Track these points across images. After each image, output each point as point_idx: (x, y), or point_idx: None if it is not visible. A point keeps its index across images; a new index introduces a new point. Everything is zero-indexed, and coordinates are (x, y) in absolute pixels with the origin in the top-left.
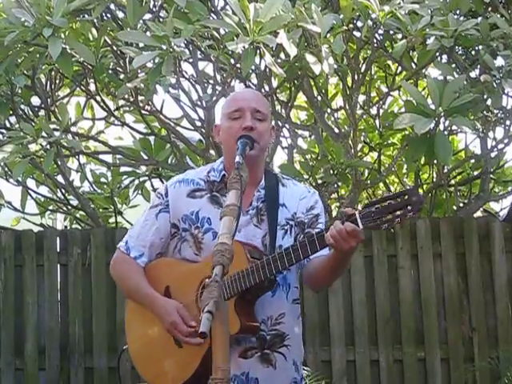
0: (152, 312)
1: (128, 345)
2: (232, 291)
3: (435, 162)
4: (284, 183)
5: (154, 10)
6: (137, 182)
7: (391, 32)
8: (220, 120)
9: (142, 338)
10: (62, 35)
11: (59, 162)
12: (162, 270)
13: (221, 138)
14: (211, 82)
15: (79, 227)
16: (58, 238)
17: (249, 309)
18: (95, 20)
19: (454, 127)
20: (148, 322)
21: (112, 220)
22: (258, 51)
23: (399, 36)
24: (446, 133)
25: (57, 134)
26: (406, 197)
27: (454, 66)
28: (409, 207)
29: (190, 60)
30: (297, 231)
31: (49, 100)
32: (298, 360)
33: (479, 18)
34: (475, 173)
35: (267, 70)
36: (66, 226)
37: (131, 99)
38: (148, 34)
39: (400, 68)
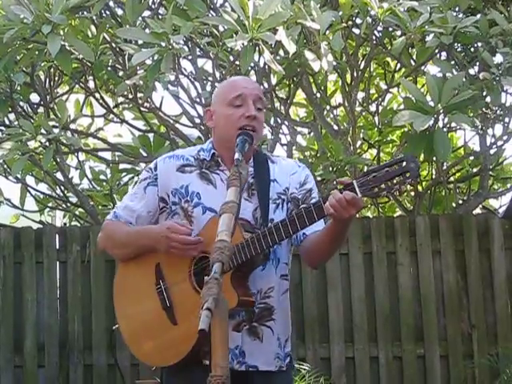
0: (147, 239)
1: (118, 323)
2: (228, 265)
3: (434, 158)
4: (273, 160)
5: (153, 7)
6: (136, 179)
7: (390, 29)
8: (215, 104)
9: (134, 315)
10: (61, 32)
11: (58, 159)
12: None
13: (215, 123)
14: (210, 79)
15: (78, 224)
16: (57, 235)
17: (244, 282)
18: (94, 17)
19: (453, 124)
20: (139, 300)
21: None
22: (257, 48)
23: (398, 33)
24: (445, 130)
25: (56, 131)
26: (404, 163)
27: (453, 63)
28: (407, 174)
29: (189, 57)
30: (291, 207)
31: (48, 97)
32: (282, 336)
33: (478, 15)
34: (474, 170)
35: (266, 66)
36: (65, 223)
37: (130, 96)
38: (147, 31)
39: (399, 65)
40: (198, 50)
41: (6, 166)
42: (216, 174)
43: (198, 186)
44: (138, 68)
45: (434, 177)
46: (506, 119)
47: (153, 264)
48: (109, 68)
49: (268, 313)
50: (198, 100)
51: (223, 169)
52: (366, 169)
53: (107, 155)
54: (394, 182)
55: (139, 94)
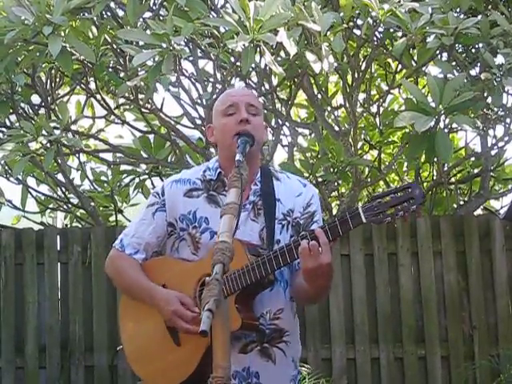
0: (151, 305)
1: (123, 344)
2: (233, 288)
3: (435, 159)
4: (278, 177)
5: (154, 8)
6: (137, 180)
7: (391, 30)
8: (213, 120)
9: (138, 337)
10: (62, 33)
11: (59, 161)
12: (158, 269)
13: (216, 136)
14: (211, 80)
15: (79, 225)
16: (58, 237)
17: (249, 306)
18: (95, 18)
19: (454, 125)
20: (143, 320)
21: (112, 218)
22: (258, 49)
23: (399, 34)
24: (446, 131)
25: (57, 132)
26: (409, 190)
27: (454, 64)
28: (411, 201)
29: (190, 58)
30: (292, 232)
31: (49, 98)
32: (295, 357)
33: (479, 16)
34: (475, 171)
35: (267, 68)
36: (66, 225)
37: (131, 97)
38: (148, 32)
39: (400, 66)
40: (199, 51)
41: (7, 168)
42: (223, 195)
43: (205, 210)
44: (139, 69)
45: (435, 178)
46: (508, 120)
47: (159, 285)
48: (110, 69)
49: (279, 334)
50: (199, 101)
51: (228, 177)
52: (366, 170)
53: (108, 156)
54: (399, 208)
55: (140, 96)
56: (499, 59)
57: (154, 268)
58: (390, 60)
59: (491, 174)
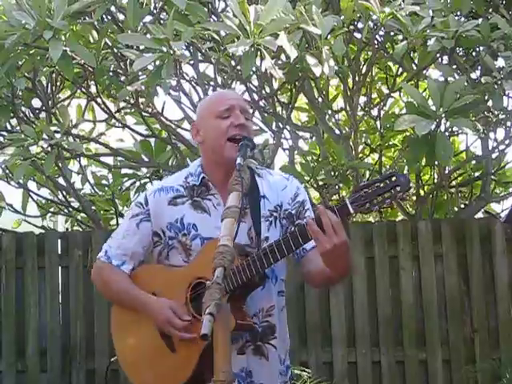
0: (143, 313)
1: (117, 354)
2: (226, 288)
3: (436, 163)
4: (259, 173)
5: (155, 12)
6: (138, 184)
7: (392, 33)
8: (202, 118)
9: (132, 346)
10: (63, 37)
11: (60, 164)
12: (147, 277)
13: (204, 137)
14: (212, 83)
15: (80, 229)
16: (59, 240)
17: (241, 306)
18: (96, 22)
19: (454, 128)
20: (136, 328)
21: (113, 222)
22: (259, 53)
23: (400, 37)
24: (446, 134)
25: (58, 136)
26: (394, 178)
27: (454, 67)
28: (397, 188)
29: (191, 62)
30: (286, 224)
31: (50, 102)
32: (282, 353)
33: (480, 19)
34: (476, 174)
35: (268, 71)
36: (67, 228)
37: (132, 101)
38: (148, 36)
39: (401, 69)
40: (199, 54)
41: (8, 172)
42: (208, 199)
43: (192, 217)
44: (140, 73)
45: (435, 181)
46: (508, 123)
47: (150, 293)
48: (110, 73)
49: (271, 331)
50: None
51: (213, 192)
52: (367, 173)
53: (109, 160)
54: (386, 196)
55: (141, 99)
56: (500, 62)
57: (142, 277)
58: (390, 63)
59: (492, 177)
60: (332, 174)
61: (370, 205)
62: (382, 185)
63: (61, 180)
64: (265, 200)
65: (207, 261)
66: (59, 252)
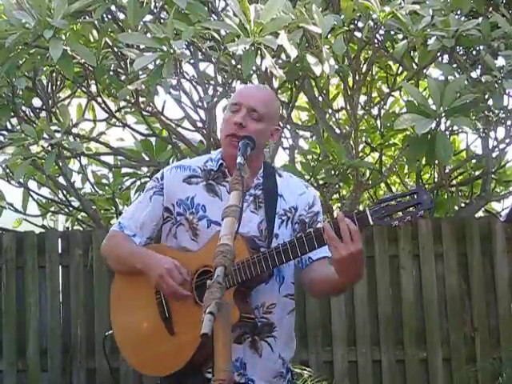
0: (143, 267)
1: (114, 334)
2: (233, 281)
3: (436, 162)
4: (281, 174)
5: (155, 11)
6: (138, 183)
7: (392, 32)
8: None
9: (130, 326)
10: (63, 37)
11: (60, 164)
12: None
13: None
14: (212, 83)
15: (81, 228)
16: (59, 240)
17: (247, 299)
18: (96, 21)
19: (455, 127)
20: (135, 310)
21: (113, 221)
22: (259, 52)
23: (400, 36)
24: (447, 133)
25: (58, 135)
26: (417, 195)
27: (454, 66)
28: (418, 206)
29: (191, 61)
30: (297, 229)
31: (50, 102)
32: (285, 356)
33: (480, 18)
34: (476, 173)
35: (268, 70)
36: (67, 228)
37: (132, 100)
38: (149, 35)
39: (401, 68)
40: (199, 54)
41: (8, 171)
42: (222, 185)
43: (203, 198)
44: (140, 72)
45: (436, 180)
46: (509, 122)
47: None
48: (111, 72)
49: (268, 328)
50: (200, 104)
51: (229, 180)
52: (367, 172)
53: (109, 159)
54: (406, 212)
55: (141, 99)
56: (500, 61)
57: None
58: (390, 62)
59: (492, 176)
60: (332, 173)
61: (390, 219)
62: (404, 200)
63: (61, 179)
64: (281, 199)
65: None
66: (60, 251)
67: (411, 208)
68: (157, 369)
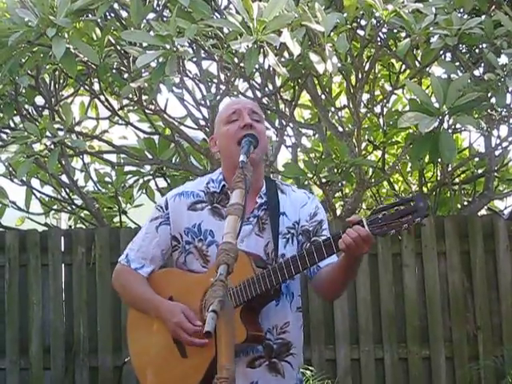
0: (156, 317)
1: (131, 357)
2: (238, 300)
3: (439, 160)
4: (283, 190)
5: (158, 9)
6: (141, 181)
7: (395, 31)
8: (216, 129)
9: (145, 350)
10: (66, 35)
11: (63, 162)
12: (165, 281)
13: (219, 145)
14: (215, 81)
15: (84, 227)
16: (62, 238)
17: (254, 318)
18: (99, 20)
19: (458, 125)
20: (150, 332)
21: (116, 219)
22: (262, 50)
23: (403, 34)
24: (450, 131)
25: (61, 133)
26: (413, 203)
27: (457, 64)
28: (415, 213)
29: (194, 59)
30: (302, 240)
31: (53, 100)
32: (296, 367)
33: (483, 16)
34: (479, 171)
35: (271, 68)
36: (70, 226)
37: (135, 98)
38: (151, 33)
39: (404, 66)
40: (202, 52)
41: (11, 169)
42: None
43: (210, 223)
44: (143, 70)
45: (439, 178)
46: (511, 120)
47: (166, 297)
48: (113, 70)
49: (286, 348)
50: (202, 102)
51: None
52: (370, 170)
53: (112, 157)
54: (403, 220)
55: (144, 97)
56: (503, 59)
57: (160, 281)
58: (393, 60)
59: (495, 174)
60: (335, 171)
61: (387, 228)
62: (400, 208)
63: (64, 177)
64: (284, 217)
65: None
66: (62, 249)
67: (408, 216)
68: None
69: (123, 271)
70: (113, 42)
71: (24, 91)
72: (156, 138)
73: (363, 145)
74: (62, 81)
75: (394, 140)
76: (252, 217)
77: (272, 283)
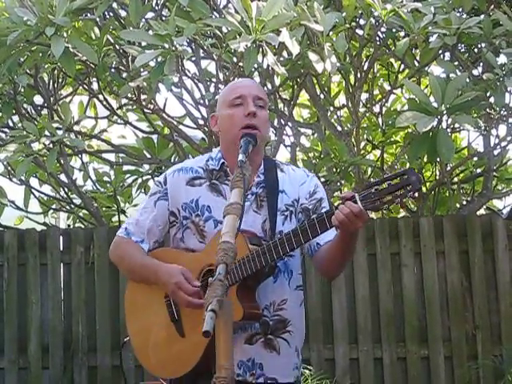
0: (155, 282)
1: (130, 337)
2: (234, 278)
3: (438, 159)
4: (282, 169)
5: (157, 8)
6: (140, 180)
7: (394, 30)
8: (218, 109)
9: (144, 329)
10: (65, 34)
11: (62, 161)
12: (161, 259)
13: (220, 126)
14: (214, 80)
15: (82, 226)
16: (61, 237)
17: (250, 295)
18: (98, 19)
19: (456, 125)
20: (149, 313)
21: (115, 219)
22: (261, 49)
23: (402, 34)
24: (448, 131)
25: (60, 132)
26: (405, 176)
27: (456, 63)
28: (408, 187)
29: (193, 58)
30: (302, 218)
31: (51, 99)
32: (299, 346)
33: (482, 16)
34: (478, 170)
35: (270, 68)
36: (69, 225)
37: (134, 98)
38: (150, 32)
39: (403, 66)
40: (201, 51)
41: (10, 168)
42: (225, 184)
43: (208, 198)
44: (142, 70)
45: (437, 178)
46: (510, 120)
47: None
48: (112, 70)
49: (282, 325)
50: (201, 101)
51: (231, 178)
52: (369, 169)
53: (111, 157)
54: (396, 194)
55: (143, 96)
56: (502, 59)
57: (159, 259)
58: (392, 60)
59: (494, 173)
60: (334, 170)
61: (380, 203)
62: (393, 182)
63: (63, 177)
64: (283, 194)
65: None
66: (61, 249)
67: (401, 190)
68: (170, 371)
69: (122, 242)
70: (112, 41)
71: (23, 90)
72: (155, 137)
73: (362, 144)
74: (60, 80)
75: (392, 139)
76: (250, 194)
77: (267, 260)
